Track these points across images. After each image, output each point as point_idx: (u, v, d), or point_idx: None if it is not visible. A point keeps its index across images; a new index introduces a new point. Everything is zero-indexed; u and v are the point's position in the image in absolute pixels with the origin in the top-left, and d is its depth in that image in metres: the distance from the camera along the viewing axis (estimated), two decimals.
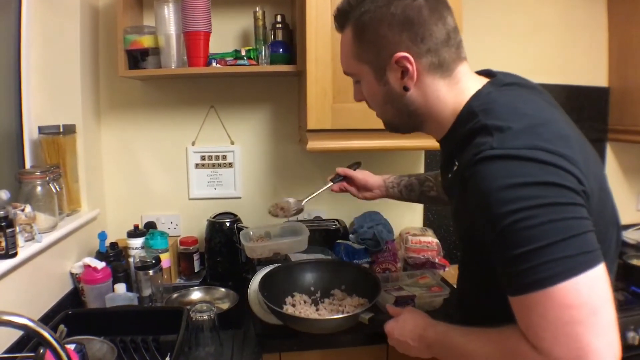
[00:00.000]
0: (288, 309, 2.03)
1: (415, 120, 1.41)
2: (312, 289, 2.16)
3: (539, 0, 3.00)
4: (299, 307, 2.06)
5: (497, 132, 1.14)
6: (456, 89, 1.33)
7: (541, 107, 1.28)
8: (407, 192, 2.12)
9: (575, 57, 3.05)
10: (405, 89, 1.33)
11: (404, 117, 1.42)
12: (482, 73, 1.40)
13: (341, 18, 1.41)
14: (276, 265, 2.16)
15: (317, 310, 2.05)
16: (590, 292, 1.00)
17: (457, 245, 3.02)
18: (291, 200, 2.21)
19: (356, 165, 2.21)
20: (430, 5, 1.28)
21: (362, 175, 2.14)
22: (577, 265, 1.01)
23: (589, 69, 3.09)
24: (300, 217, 2.84)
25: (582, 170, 1.10)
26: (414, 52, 1.28)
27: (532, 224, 1.03)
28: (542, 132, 1.14)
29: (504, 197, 1.06)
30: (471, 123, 1.24)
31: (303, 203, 2.18)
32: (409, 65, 1.29)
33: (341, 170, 2.15)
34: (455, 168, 1.32)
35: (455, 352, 1.32)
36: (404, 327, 1.54)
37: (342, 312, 1.99)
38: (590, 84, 3.08)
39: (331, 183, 2.14)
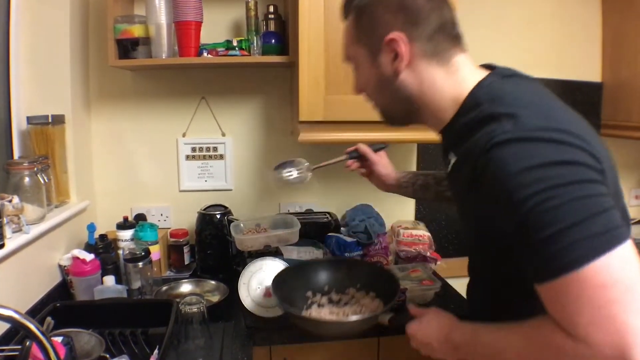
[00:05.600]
0: (309, 312, 1.94)
1: (409, 107, 1.39)
2: (326, 288, 2.02)
3: None
4: (315, 309, 1.96)
5: (506, 118, 1.13)
6: (454, 78, 1.32)
7: (544, 94, 1.27)
8: (422, 192, 2.01)
9: (569, 52, 3.05)
10: (396, 72, 1.33)
11: (397, 104, 1.40)
12: (482, 67, 1.38)
13: (346, 6, 1.43)
14: (288, 266, 2.08)
15: (334, 312, 1.95)
16: (623, 269, 0.98)
17: (450, 240, 3.02)
18: (301, 160, 2.06)
19: (380, 148, 2.07)
20: None
21: (381, 162, 2.02)
22: (606, 243, 0.98)
23: (582, 63, 3.08)
24: (292, 209, 2.84)
25: (596, 149, 1.09)
26: (408, 35, 1.29)
27: (555, 205, 1.00)
28: (552, 115, 1.14)
29: (523, 181, 1.03)
30: (474, 112, 1.22)
31: (312, 168, 2.04)
32: (401, 47, 1.29)
33: (362, 148, 2.01)
34: (453, 161, 1.31)
35: (485, 352, 1.25)
36: (428, 328, 1.46)
37: (361, 314, 1.87)
38: (584, 78, 3.08)
39: (347, 157, 2.00)
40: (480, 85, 1.28)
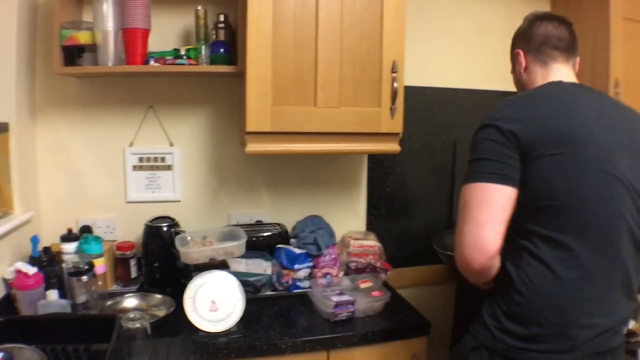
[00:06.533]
0: None
1: None
2: None
3: (483, 6, 3.04)
4: None
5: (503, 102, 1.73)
6: (545, 77, 1.83)
7: (559, 92, 1.73)
8: None
9: None
10: (519, 74, 1.93)
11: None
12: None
13: None
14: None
15: None
16: (470, 195, 1.60)
17: (402, 250, 3.03)
18: None
19: None
20: (539, 21, 1.88)
21: None
22: (474, 177, 1.60)
23: None
24: (242, 220, 2.81)
25: (514, 126, 1.58)
26: (524, 48, 1.90)
27: (472, 152, 1.66)
28: (517, 105, 1.70)
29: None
30: None
31: None
32: (521, 58, 1.91)
33: None
34: None
35: None
36: None
37: None
38: None
39: None
40: (543, 84, 1.80)
